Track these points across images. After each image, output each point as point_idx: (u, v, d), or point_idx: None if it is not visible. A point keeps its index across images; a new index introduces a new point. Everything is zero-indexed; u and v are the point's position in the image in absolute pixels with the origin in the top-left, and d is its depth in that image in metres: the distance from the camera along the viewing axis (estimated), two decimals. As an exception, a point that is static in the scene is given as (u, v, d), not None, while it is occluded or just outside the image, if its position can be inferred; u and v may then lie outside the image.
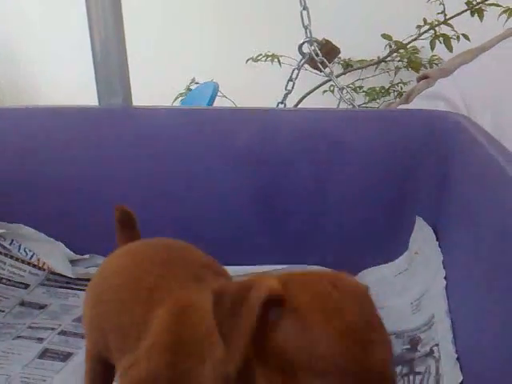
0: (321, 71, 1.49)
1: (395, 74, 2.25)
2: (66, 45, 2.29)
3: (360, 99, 2.22)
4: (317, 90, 2.11)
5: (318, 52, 1.45)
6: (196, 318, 0.48)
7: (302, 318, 0.38)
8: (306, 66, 1.97)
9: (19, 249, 0.93)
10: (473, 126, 0.78)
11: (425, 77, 1.06)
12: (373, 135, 0.89)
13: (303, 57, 1.50)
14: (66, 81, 2.25)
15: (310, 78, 2.07)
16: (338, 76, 2.06)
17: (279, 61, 2.22)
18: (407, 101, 1.04)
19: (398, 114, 0.92)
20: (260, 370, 0.40)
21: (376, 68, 2.26)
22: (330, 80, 2.09)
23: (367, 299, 0.42)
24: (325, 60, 1.46)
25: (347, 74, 2.23)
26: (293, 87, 1.56)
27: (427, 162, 0.85)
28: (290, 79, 1.53)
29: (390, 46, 2.13)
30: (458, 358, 0.66)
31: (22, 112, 0.98)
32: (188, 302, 0.50)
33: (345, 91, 1.52)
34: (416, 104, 1.00)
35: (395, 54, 2.20)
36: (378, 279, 0.90)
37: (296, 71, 1.55)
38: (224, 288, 0.41)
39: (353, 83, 2.27)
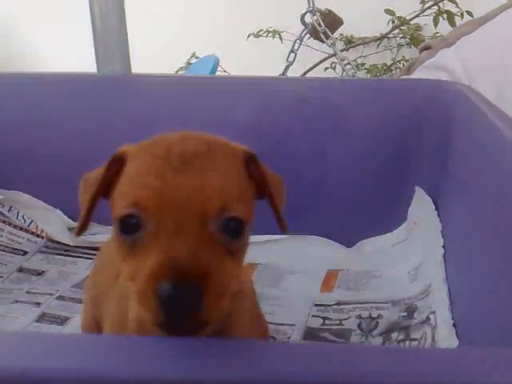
0: (323, 42, 1.47)
1: (397, 52, 2.23)
2: (64, 13, 2.27)
3: (362, 76, 2.20)
4: (318, 68, 2.09)
5: (321, 22, 1.43)
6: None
7: (130, 160, 0.41)
8: (309, 42, 1.97)
9: (17, 216, 0.93)
10: (474, 95, 0.78)
11: (426, 48, 1.05)
12: (373, 104, 0.88)
13: (305, 27, 1.48)
14: (65, 49, 2.23)
15: (311, 54, 2.06)
16: (330, 57, 2.04)
17: (280, 36, 2.20)
18: (409, 72, 1.03)
19: (398, 84, 0.92)
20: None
21: (378, 45, 2.24)
22: (331, 56, 2.08)
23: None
24: (327, 30, 1.44)
25: (349, 51, 2.21)
26: (294, 59, 1.54)
27: (428, 131, 0.85)
28: (292, 51, 1.52)
29: (393, 22, 2.11)
30: (454, 325, 0.67)
31: (19, 78, 0.97)
32: None
33: (346, 63, 1.50)
34: (418, 75, 0.99)
35: (397, 31, 2.18)
36: (375, 249, 0.90)
37: (298, 42, 1.53)
38: (88, 173, 0.46)
39: (355, 60, 2.25)
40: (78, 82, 0.95)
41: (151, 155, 0.40)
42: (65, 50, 2.20)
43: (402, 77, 1.06)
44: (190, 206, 0.37)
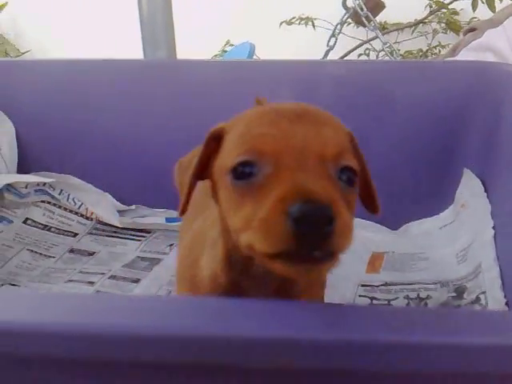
0: (365, 26, 1.46)
1: (433, 37, 2.20)
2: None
3: (397, 62, 2.18)
4: (351, 55, 2.08)
5: (363, 6, 1.42)
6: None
7: (236, 125, 0.42)
8: (343, 28, 1.95)
9: (68, 198, 0.96)
10: (525, 76, 0.77)
11: (471, 30, 1.03)
12: (419, 86, 0.88)
13: (347, 11, 1.47)
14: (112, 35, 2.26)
15: (345, 41, 2.05)
16: (373, 39, 2.03)
17: (313, 24, 2.19)
18: (454, 54, 1.02)
19: (446, 65, 0.91)
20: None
21: (413, 31, 2.21)
22: (368, 41, 2.06)
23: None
24: (369, 14, 1.43)
25: (383, 37, 2.19)
26: (335, 43, 1.53)
27: (476, 112, 0.84)
28: (333, 35, 1.51)
29: (431, 7, 2.08)
30: (507, 303, 0.67)
31: (70, 65, 0.99)
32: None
33: (388, 46, 1.48)
34: (463, 56, 0.98)
35: (433, 17, 2.15)
36: (421, 232, 0.90)
37: (339, 26, 1.52)
38: (183, 157, 0.48)
39: (389, 46, 2.23)
40: (127, 67, 0.96)
41: (259, 114, 0.41)
42: (112, 36, 2.22)
43: (446, 59, 1.05)
44: (308, 148, 0.38)
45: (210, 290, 0.48)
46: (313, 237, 0.34)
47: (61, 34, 2.40)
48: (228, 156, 0.41)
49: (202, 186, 0.63)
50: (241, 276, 0.45)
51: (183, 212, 0.45)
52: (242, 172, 0.38)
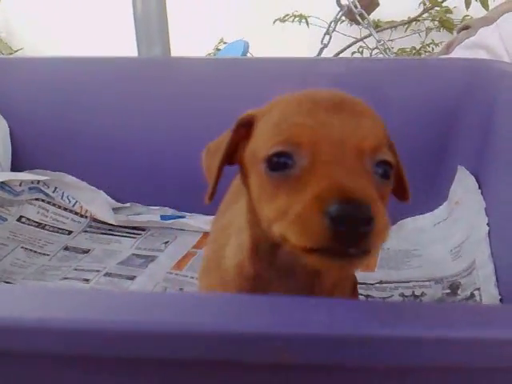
0: (358, 24, 1.46)
1: (426, 35, 2.20)
2: None
3: (390, 60, 2.18)
4: (345, 53, 2.08)
5: (357, 4, 1.42)
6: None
7: (269, 113, 0.41)
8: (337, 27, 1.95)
9: (62, 196, 0.95)
10: (518, 73, 0.77)
11: (465, 27, 1.04)
12: (413, 84, 0.88)
13: (341, 9, 1.47)
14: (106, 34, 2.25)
15: (338, 39, 2.05)
16: (366, 37, 2.03)
17: (307, 21, 2.19)
18: (447, 51, 1.02)
19: (439, 63, 0.91)
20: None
21: (406, 29, 2.21)
22: (359, 40, 2.07)
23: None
24: (363, 12, 1.43)
25: (377, 34, 2.19)
26: (329, 41, 1.53)
27: (470, 109, 0.85)
28: (327, 32, 1.51)
29: (424, 4, 2.08)
30: (501, 300, 0.67)
31: (63, 62, 0.98)
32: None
33: (382, 44, 1.48)
34: (457, 54, 0.98)
35: (426, 15, 2.15)
36: (415, 229, 0.90)
37: (333, 24, 1.52)
38: (210, 143, 0.47)
39: (382, 44, 2.23)
40: (121, 65, 0.96)
41: (295, 102, 0.40)
42: (105, 34, 2.22)
43: (440, 56, 1.05)
44: (346, 141, 0.37)
45: (235, 280, 0.47)
46: (350, 235, 0.34)
47: (55, 32, 2.39)
48: (263, 144, 0.40)
49: (236, 183, 0.63)
50: (267, 267, 0.45)
51: (211, 198, 0.44)
52: (277, 162, 0.38)
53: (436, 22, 2.16)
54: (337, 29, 2.06)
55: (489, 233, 0.75)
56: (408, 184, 0.47)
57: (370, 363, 0.33)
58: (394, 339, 0.31)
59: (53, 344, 0.35)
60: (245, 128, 0.43)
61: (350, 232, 0.33)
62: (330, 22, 1.55)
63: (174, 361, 0.34)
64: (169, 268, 0.84)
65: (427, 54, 2.17)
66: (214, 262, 0.52)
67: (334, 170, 0.36)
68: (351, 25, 2.09)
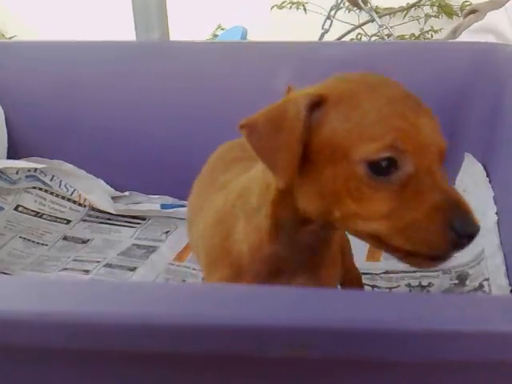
0: (361, 9, 1.44)
1: (425, 22, 2.18)
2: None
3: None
4: (344, 39, 2.05)
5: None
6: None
7: (347, 102, 0.41)
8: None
9: (60, 185, 0.93)
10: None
11: (472, 11, 1.02)
12: (418, 68, 0.86)
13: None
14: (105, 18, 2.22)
15: (337, 26, 2.02)
16: (365, 23, 2.00)
17: (305, 8, 2.16)
18: (454, 36, 1.00)
19: (445, 47, 0.89)
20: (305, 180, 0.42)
21: (405, 15, 2.19)
22: (358, 27, 2.04)
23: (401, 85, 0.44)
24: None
25: (375, 22, 2.17)
26: (330, 25, 1.51)
27: (477, 96, 0.83)
28: (328, 17, 1.48)
29: (423, -10, 2.06)
30: (511, 291, 0.66)
31: (61, 47, 0.96)
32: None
33: (384, 28, 1.46)
34: (464, 38, 0.97)
35: (425, 0, 2.13)
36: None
37: (334, 9, 1.50)
38: (252, 119, 0.43)
39: (385, 29, 2.21)
40: (119, 49, 0.94)
41: (380, 98, 0.40)
42: (103, 19, 2.18)
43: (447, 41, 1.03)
44: (434, 145, 0.40)
45: (251, 264, 0.48)
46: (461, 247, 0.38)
47: (51, 16, 2.34)
48: (353, 143, 0.40)
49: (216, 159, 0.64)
50: (287, 245, 0.47)
51: (289, 180, 0.41)
52: (382, 167, 0.39)
53: (435, 8, 2.14)
54: (336, 15, 2.04)
55: (497, 222, 0.74)
56: None
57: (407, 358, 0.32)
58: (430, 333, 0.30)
59: (51, 337, 0.33)
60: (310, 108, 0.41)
61: (467, 243, 0.38)
62: (332, 7, 1.52)
63: (196, 355, 0.33)
64: (170, 259, 0.82)
65: (426, 40, 2.15)
66: (220, 251, 0.50)
67: (440, 178, 0.39)
68: (349, 12, 2.07)
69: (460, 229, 0.37)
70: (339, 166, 0.40)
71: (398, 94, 0.41)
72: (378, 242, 0.41)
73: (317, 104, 0.41)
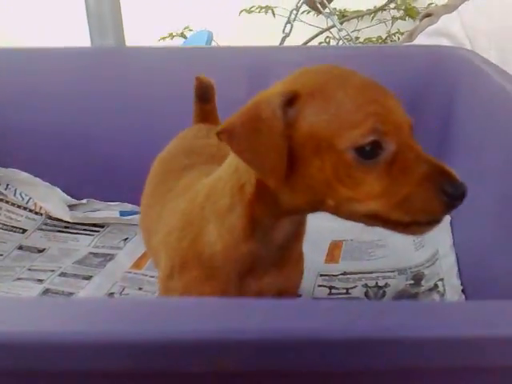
0: (320, 12, 1.45)
1: (392, 24, 2.20)
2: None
3: (356, 50, 2.17)
4: (312, 43, 2.06)
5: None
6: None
7: (320, 95, 0.42)
8: (302, 17, 1.93)
9: (15, 193, 0.92)
10: (477, 59, 0.77)
11: (427, 15, 1.03)
12: (375, 71, 0.86)
13: (302, -4, 1.45)
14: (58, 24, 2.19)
15: (305, 30, 2.03)
16: (332, 27, 2.01)
17: (273, 12, 2.16)
18: (410, 39, 1.01)
19: (400, 50, 0.90)
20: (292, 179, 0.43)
21: (372, 18, 2.21)
22: (326, 30, 2.05)
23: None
24: (325, 0, 1.41)
25: (343, 25, 2.18)
26: (291, 30, 1.52)
27: (431, 96, 0.84)
28: (288, 21, 1.49)
29: (388, -7, 2.08)
30: (463, 290, 0.66)
31: (14, 54, 0.94)
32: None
33: (345, 35, 1.47)
34: (420, 41, 0.98)
35: (391, 3, 2.15)
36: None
37: (294, 12, 1.50)
38: (229, 123, 0.43)
39: (349, 34, 2.23)
40: (74, 56, 0.93)
41: (353, 88, 0.42)
42: (58, 24, 2.16)
43: (403, 44, 1.04)
44: (405, 123, 0.43)
45: (223, 263, 0.48)
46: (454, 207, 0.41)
47: (2, 22, 2.32)
48: (337, 133, 0.41)
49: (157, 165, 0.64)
50: (261, 243, 0.48)
51: (281, 179, 0.42)
52: (369, 151, 0.41)
53: (401, 11, 2.16)
54: (303, 19, 2.05)
55: (451, 222, 0.74)
56: None
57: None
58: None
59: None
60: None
61: (458, 204, 0.41)
62: (292, 10, 1.53)
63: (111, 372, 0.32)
64: (127, 267, 0.81)
65: (393, 43, 2.17)
66: (190, 254, 0.50)
67: (420, 150, 0.42)
68: (317, 15, 2.08)
69: (452, 191, 0.40)
70: (326, 156, 0.42)
71: (366, 82, 0.43)
72: (375, 220, 0.43)
73: (290, 101, 0.42)
